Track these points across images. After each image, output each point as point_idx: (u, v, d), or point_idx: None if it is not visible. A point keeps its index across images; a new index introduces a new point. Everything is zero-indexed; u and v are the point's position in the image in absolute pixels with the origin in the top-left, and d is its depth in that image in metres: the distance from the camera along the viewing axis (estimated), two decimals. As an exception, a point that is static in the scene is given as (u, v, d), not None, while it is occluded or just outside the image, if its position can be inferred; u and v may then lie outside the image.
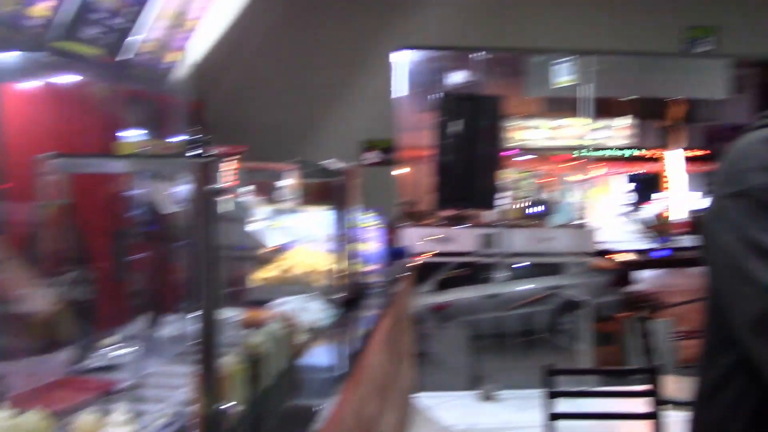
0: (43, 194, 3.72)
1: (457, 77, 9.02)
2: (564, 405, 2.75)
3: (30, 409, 1.49)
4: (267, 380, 1.95)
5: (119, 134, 4.07)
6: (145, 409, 1.72)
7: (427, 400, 5.52)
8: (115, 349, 2.36)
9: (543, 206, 10.66)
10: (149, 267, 4.09)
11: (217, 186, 1.64)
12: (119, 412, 1.45)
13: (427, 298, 8.49)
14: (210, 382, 1.58)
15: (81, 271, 3.67)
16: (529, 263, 8.56)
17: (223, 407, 1.57)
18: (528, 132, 13.69)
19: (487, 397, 5.51)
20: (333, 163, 3.17)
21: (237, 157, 2.08)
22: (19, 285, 2.43)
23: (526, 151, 13.45)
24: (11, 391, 1.81)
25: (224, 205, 3.21)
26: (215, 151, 1.79)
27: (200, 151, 1.69)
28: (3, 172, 3.90)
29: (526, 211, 12.30)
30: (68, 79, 4.29)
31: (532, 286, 8.73)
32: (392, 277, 4.04)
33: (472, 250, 5.80)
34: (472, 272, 8.37)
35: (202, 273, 1.59)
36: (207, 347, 1.58)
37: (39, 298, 2.39)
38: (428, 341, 7.25)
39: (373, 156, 5.62)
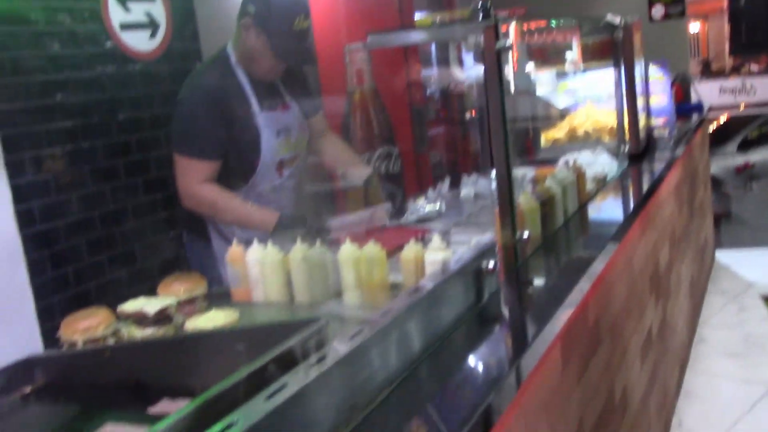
0: (351, 80, 4.22)
1: None
2: None
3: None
4: (558, 220, 2.17)
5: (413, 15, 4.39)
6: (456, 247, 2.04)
7: (730, 257, 5.39)
8: (425, 207, 2.72)
9: None
10: (445, 139, 4.45)
11: (505, 44, 1.83)
12: (438, 240, 1.76)
13: (731, 158, 8.02)
14: (509, 218, 1.83)
15: (389, 146, 4.13)
16: None
17: (519, 237, 1.82)
18: None
19: (797, 253, 5.23)
20: (616, 18, 3.17)
21: (518, 18, 2.22)
22: (345, 163, 2.88)
23: None
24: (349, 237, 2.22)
25: (512, 70, 3.40)
26: (498, 14, 1.96)
27: (484, 15, 1.87)
28: (317, 61, 4.42)
29: None
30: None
31: None
32: (683, 133, 3.97)
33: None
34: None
35: (497, 132, 1.82)
36: (505, 192, 1.83)
37: (360, 172, 2.81)
38: (732, 201, 6.95)
39: (660, 9, 5.36)
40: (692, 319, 4.05)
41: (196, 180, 2.36)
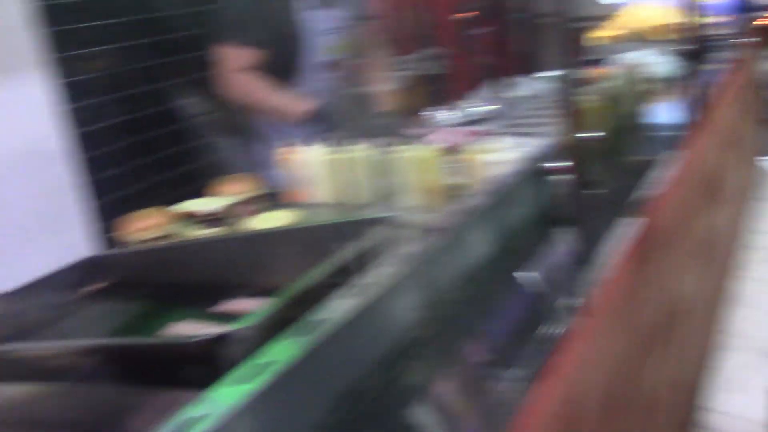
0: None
1: None
2: None
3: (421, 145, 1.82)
4: (617, 121, 2.10)
5: None
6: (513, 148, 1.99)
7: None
8: (476, 108, 2.65)
9: None
10: (491, 40, 4.32)
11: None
12: (497, 142, 1.72)
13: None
14: (570, 118, 1.77)
15: (432, 48, 4.02)
16: None
17: (582, 135, 1.76)
18: None
19: None
20: None
21: None
22: (382, 65, 2.80)
23: None
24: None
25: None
26: None
27: None
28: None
29: None
30: None
31: None
32: (741, 32, 3.81)
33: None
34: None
35: (559, 30, 1.73)
36: (567, 92, 1.76)
37: (399, 74, 2.73)
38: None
39: None
40: (740, 225, 4.00)
41: (230, 68, 2.30)
